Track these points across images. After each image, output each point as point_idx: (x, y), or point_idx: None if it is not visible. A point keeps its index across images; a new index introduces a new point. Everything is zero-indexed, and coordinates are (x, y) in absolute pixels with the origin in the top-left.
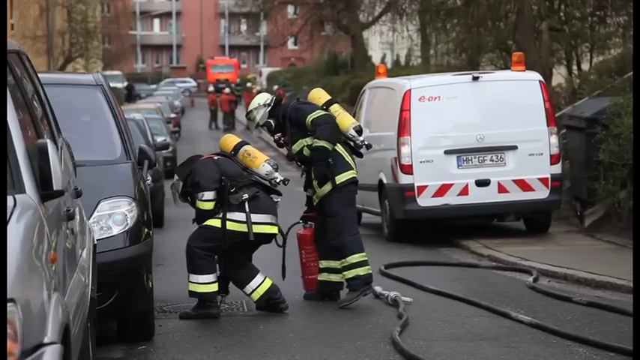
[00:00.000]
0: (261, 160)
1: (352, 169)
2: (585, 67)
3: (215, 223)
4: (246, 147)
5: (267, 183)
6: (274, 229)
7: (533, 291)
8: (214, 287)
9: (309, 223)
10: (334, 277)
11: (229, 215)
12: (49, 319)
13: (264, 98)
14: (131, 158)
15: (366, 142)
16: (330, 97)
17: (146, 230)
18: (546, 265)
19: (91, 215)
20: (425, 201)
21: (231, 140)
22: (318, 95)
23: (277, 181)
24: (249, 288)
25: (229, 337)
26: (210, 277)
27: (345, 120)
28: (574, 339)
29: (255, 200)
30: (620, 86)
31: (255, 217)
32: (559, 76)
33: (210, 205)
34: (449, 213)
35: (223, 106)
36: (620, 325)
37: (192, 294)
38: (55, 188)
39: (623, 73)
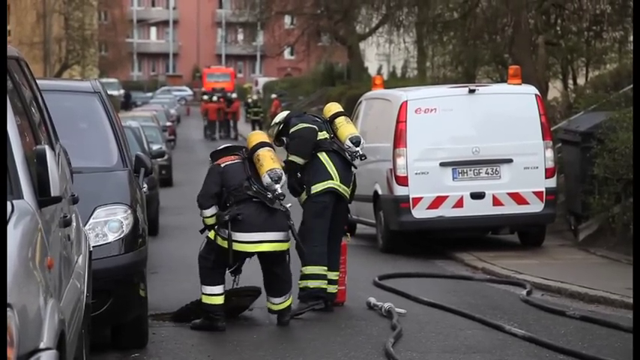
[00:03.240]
0: (264, 170)
1: (331, 179)
2: (581, 81)
3: (213, 236)
4: (259, 151)
5: (269, 194)
6: (262, 247)
7: (526, 304)
8: (218, 300)
9: (347, 234)
10: (310, 284)
11: (220, 232)
12: (45, 324)
13: (279, 117)
14: (128, 166)
15: (361, 153)
16: (339, 111)
17: (141, 238)
18: (540, 279)
19: (86, 222)
20: (420, 213)
21: (252, 139)
22: (329, 109)
23: (276, 194)
24: (269, 298)
25: (223, 346)
26: (214, 289)
27: (343, 130)
28: (567, 353)
29: (239, 220)
30: (615, 101)
31: (238, 236)
32: (555, 90)
33: (212, 221)
34: (443, 225)
35: (210, 114)
36: (613, 339)
37: (202, 304)
38: (52, 194)
39: (619, 87)
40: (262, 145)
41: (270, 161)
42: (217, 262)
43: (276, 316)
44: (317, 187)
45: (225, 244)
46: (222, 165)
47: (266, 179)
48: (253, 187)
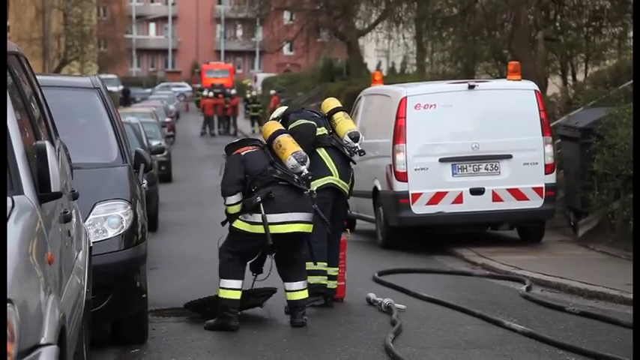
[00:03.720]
0: (288, 153)
1: (331, 175)
2: (580, 77)
3: (239, 225)
4: (279, 137)
5: (295, 177)
6: (294, 228)
7: (526, 300)
8: (235, 294)
9: (347, 229)
10: (330, 284)
11: (249, 218)
12: (46, 320)
13: (277, 112)
14: (127, 161)
15: (359, 149)
16: (337, 106)
17: (141, 234)
18: (539, 275)
19: (86, 218)
20: (419, 208)
21: (269, 129)
22: (327, 105)
23: (303, 175)
24: (287, 286)
25: (223, 341)
26: (233, 283)
27: (342, 126)
28: (566, 348)
29: (269, 200)
30: (615, 97)
31: (272, 218)
32: (554, 85)
33: (236, 209)
34: (443, 221)
35: (207, 110)
36: (613, 335)
37: (218, 299)
38: (52, 190)
39: (618, 83)
40: (281, 132)
41: (292, 144)
42: (239, 254)
43: (289, 316)
44: (317, 183)
45: (253, 228)
46: (243, 153)
47: (291, 161)
48: (278, 171)
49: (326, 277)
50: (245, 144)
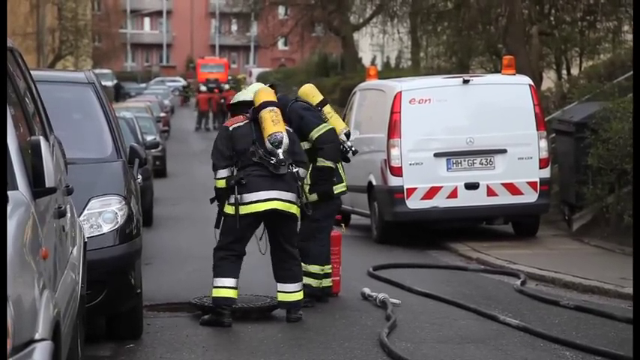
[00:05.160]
0: (265, 134)
1: (343, 181)
2: (575, 71)
3: (228, 210)
4: (262, 112)
5: (272, 159)
6: (270, 205)
7: (520, 294)
8: (226, 293)
9: (342, 224)
10: (313, 282)
11: (230, 200)
12: (40, 315)
13: (251, 90)
14: (122, 156)
15: (353, 148)
16: (322, 97)
17: (136, 229)
18: (534, 269)
19: (81, 213)
20: (414, 203)
21: (257, 98)
22: (312, 93)
23: (279, 159)
24: (281, 287)
25: (218, 337)
26: (225, 281)
27: (337, 124)
28: (561, 342)
29: (244, 183)
30: (609, 91)
31: (245, 197)
32: (549, 80)
33: (222, 183)
34: (438, 215)
35: (201, 105)
36: (607, 329)
37: (212, 298)
38: (47, 185)
39: (613, 77)
40: (265, 105)
41: (270, 124)
42: (234, 244)
43: (285, 311)
44: (337, 189)
45: (232, 210)
46: (231, 128)
47: (267, 145)
48: (259, 151)
49: (320, 281)
50: (242, 108)
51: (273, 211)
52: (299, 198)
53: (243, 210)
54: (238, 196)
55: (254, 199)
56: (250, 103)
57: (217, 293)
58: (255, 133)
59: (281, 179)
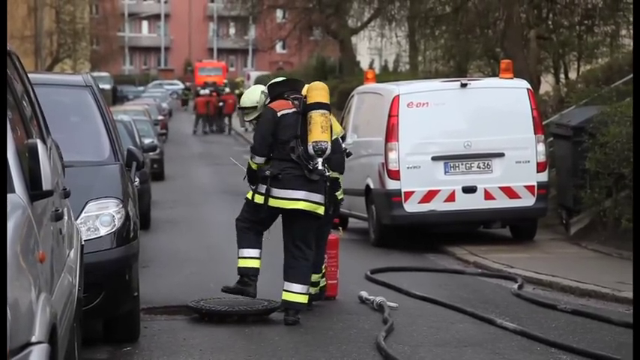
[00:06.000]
0: (311, 138)
1: (341, 188)
2: (573, 75)
3: (257, 198)
4: (312, 113)
5: (310, 164)
6: (297, 205)
7: (518, 298)
8: (252, 263)
9: (339, 227)
10: (312, 290)
11: (259, 189)
12: (37, 318)
13: (259, 95)
14: (119, 160)
15: (348, 150)
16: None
17: (133, 232)
18: (531, 273)
19: (78, 216)
20: (411, 207)
21: (311, 95)
22: (321, 93)
23: (315, 167)
24: (287, 286)
25: (215, 339)
26: (250, 252)
27: (335, 127)
28: (558, 346)
29: (279, 179)
30: (607, 95)
31: (275, 192)
32: (547, 84)
33: (256, 167)
34: (435, 219)
35: (199, 108)
36: (604, 333)
37: (238, 268)
38: (44, 188)
39: (611, 82)
40: (318, 106)
41: (318, 130)
42: (255, 222)
43: (283, 315)
44: (340, 195)
45: (261, 199)
46: (279, 113)
47: (310, 150)
48: (299, 148)
49: (317, 288)
50: (288, 93)
51: (299, 210)
52: (326, 199)
53: (272, 203)
54: (270, 189)
55: (283, 196)
56: (281, 91)
57: (243, 263)
58: (300, 128)
59: (314, 182)
